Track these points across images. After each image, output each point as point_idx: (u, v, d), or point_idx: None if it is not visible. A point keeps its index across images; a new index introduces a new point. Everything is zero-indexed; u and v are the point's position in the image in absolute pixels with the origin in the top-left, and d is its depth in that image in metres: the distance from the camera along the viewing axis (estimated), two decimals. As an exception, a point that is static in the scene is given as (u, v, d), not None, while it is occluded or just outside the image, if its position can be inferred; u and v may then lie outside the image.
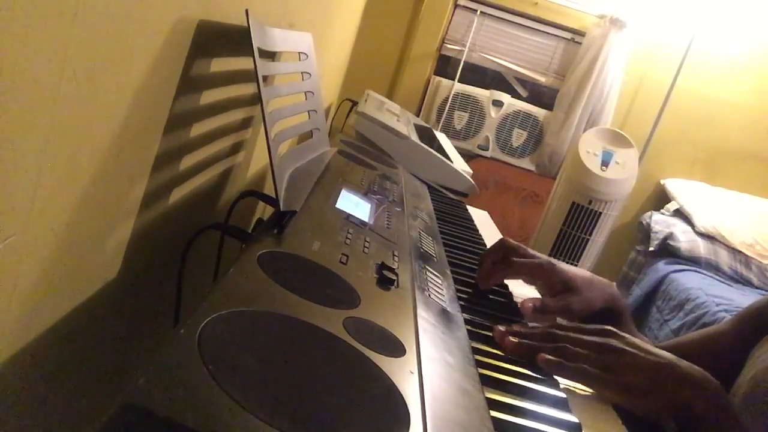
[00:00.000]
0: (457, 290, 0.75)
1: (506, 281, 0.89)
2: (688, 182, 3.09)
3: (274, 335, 0.41)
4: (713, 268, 2.66)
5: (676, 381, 0.55)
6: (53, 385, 0.56)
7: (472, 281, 0.82)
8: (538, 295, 0.87)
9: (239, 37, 0.73)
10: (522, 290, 0.89)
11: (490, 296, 0.80)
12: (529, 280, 0.83)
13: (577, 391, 0.58)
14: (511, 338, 0.61)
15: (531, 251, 0.82)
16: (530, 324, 0.70)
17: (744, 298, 2.35)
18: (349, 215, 0.74)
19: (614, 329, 0.61)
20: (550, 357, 0.58)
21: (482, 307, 0.75)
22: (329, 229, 0.66)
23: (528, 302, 0.78)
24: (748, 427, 0.57)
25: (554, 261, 0.80)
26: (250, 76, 0.61)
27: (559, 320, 0.77)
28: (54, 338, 0.53)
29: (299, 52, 0.92)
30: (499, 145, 3.17)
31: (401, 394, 0.41)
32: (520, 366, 0.59)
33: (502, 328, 0.63)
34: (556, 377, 0.59)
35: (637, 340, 0.59)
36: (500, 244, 0.82)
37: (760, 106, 3.08)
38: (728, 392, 0.70)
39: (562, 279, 0.78)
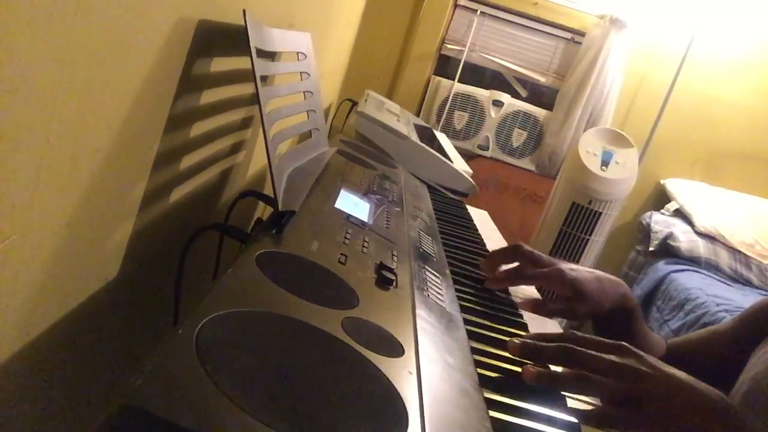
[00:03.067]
0: (457, 290, 0.75)
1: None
2: (688, 182, 3.08)
3: (272, 335, 0.41)
4: (713, 268, 2.66)
5: (695, 407, 0.54)
6: (53, 385, 0.56)
7: (472, 281, 0.82)
8: (537, 295, 0.89)
9: (239, 36, 0.73)
10: (521, 289, 0.89)
11: (489, 295, 0.80)
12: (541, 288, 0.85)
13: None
14: (530, 368, 0.58)
15: (542, 257, 0.84)
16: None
17: (744, 298, 2.35)
18: (348, 215, 0.74)
19: (629, 346, 0.58)
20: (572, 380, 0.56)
21: (481, 306, 0.75)
22: (328, 229, 0.66)
23: (528, 304, 0.80)
24: None
25: (564, 267, 0.81)
26: (250, 75, 0.61)
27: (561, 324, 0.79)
28: (54, 338, 0.53)
29: (298, 52, 0.92)
30: (499, 145, 3.17)
31: (400, 395, 0.41)
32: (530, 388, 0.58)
33: (517, 341, 0.61)
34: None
35: (651, 358, 0.58)
36: (515, 249, 0.84)
37: (760, 106, 3.08)
38: (728, 393, 0.70)
39: (571, 287, 0.79)
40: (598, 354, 0.57)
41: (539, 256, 0.84)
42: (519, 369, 0.59)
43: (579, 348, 0.57)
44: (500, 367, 0.60)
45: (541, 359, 0.59)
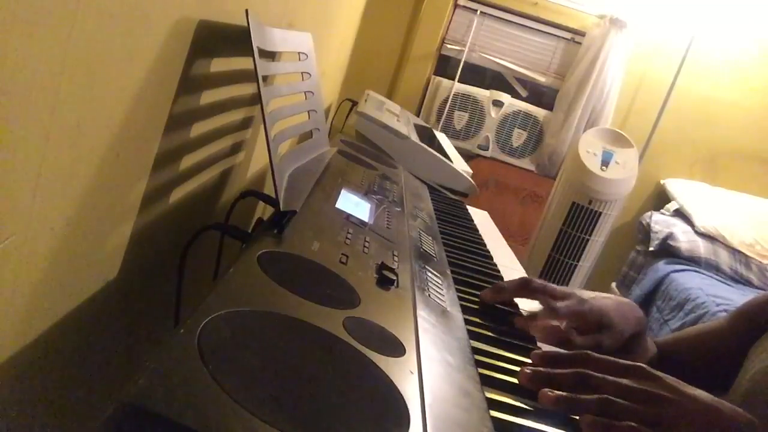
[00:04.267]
0: (457, 290, 0.75)
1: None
2: (688, 182, 3.09)
3: (273, 335, 0.41)
4: (713, 268, 2.66)
5: (721, 430, 0.53)
6: (53, 385, 0.56)
7: (472, 281, 0.82)
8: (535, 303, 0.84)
9: (239, 37, 0.73)
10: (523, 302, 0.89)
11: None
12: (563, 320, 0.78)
13: None
14: (548, 392, 0.55)
15: (556, 288, 0.77)
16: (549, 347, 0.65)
17: (744, 299, 2.33)
18: (349, 215, 0.74)
19: (646, 367, 0.56)
20: (597, 419, 0.52)
21: (482, 306, 0.75)
22: (329, 229, 0.66)
23: (551, 338, 0.73)
24: None
25: (586, 298, 0.76)
26: (250, 76, 0.61)
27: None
28: (54, 338, 0.53)
29: (299, 52, 0.92)
30: (499, 145, 3.17)
31: (401, 394, 0.41)
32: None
33: (528, 371, 0.57)
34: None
35: (671, 379, 0.56)
36: (526, 284, 0.77)
37: (760, 106, 3.08)
38: (727, 391, 0.70)
39: (597, 318, 0.75)
40: (617, 380, 0.54)
41: (552, 288, 0.76)
42: (519, 369, 0.59)
43: (595, 374, 0.55)
44: (501, 366, 0.60)
45: (555, 388, 0.56)
